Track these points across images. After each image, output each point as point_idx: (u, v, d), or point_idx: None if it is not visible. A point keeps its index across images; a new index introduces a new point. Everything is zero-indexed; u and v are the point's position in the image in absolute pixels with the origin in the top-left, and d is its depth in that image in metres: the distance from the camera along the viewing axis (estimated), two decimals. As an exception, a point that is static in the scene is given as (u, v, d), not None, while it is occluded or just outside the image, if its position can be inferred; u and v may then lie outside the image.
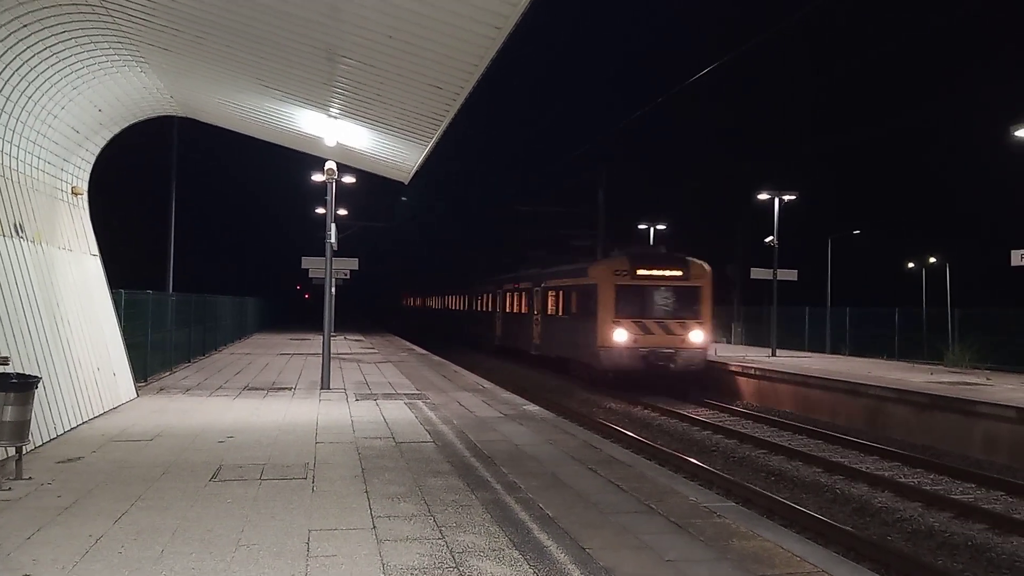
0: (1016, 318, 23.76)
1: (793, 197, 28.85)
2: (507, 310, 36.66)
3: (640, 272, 24.94)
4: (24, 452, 8.70)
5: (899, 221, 72.23)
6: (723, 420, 19.74)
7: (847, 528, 10.54)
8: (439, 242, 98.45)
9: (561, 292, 28.98)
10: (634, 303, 24.68)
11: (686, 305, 24.97)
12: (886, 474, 13.85)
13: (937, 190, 70.23)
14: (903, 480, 13.42)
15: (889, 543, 10.25)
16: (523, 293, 33.98)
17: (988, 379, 20.38)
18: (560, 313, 29.08)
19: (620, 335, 24.30)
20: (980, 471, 13.95)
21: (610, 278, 24.89)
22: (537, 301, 31.56)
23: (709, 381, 24.94)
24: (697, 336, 24.76)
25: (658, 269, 25.12)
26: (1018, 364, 22.76)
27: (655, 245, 27.53)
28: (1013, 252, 20.72)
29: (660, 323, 24.61)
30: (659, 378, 24.27)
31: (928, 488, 12.81)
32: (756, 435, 17.42)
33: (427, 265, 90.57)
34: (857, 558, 8.95)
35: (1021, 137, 19.49)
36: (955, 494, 12.55)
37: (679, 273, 25.13)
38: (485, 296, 41.54)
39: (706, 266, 25.89)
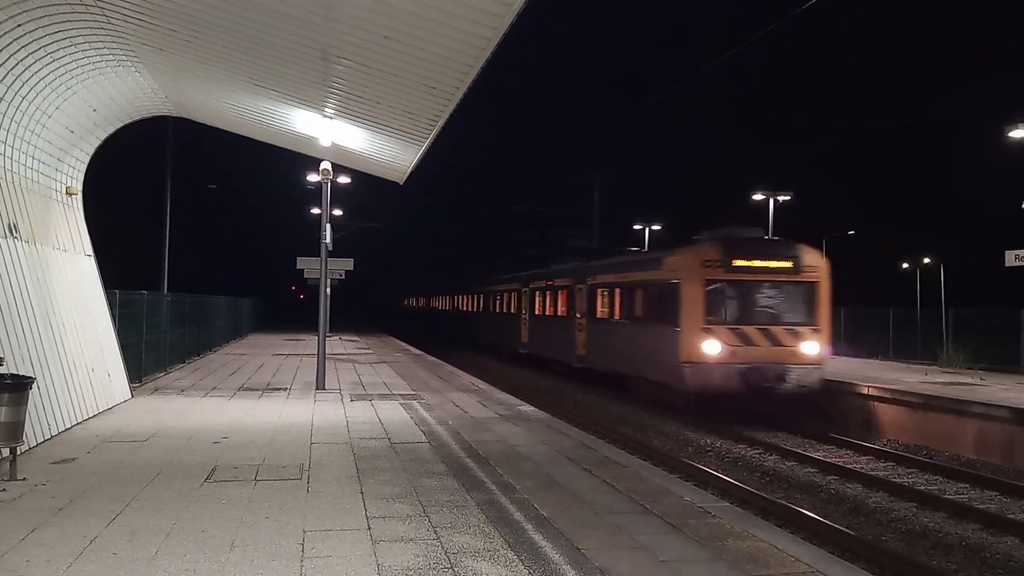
0: (1009, 319, 23.79)
1: (788, 197, 28.93)
2: (537, 312, 31.11)
3: (737, 263, 19.21)
4: (18, 453, 8.69)
5: (894, 222, 72.53)
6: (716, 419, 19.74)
7: (842, 528, 10.54)
8: (440, 241, 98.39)
9: (619, 290, 23.36)
10: (730, 305, 19.32)
11: (797, 307, 19.56)
12: (880, 474, 13.88)
13: (932, 191, 70.56)
14: (898, 480, 13.46)
15: (884, 543, 10.27)
16: (560, 292, 28.54)
17: (982, 379, 20.42)
18: (617, 316, 23.40)
19: (712, 347, 18.75)
20: (974, 471, 13.99)
21: (698, 272, 19.21)
22: (581, 301, 26.00)
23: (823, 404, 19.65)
24: (812, 348, 19.18)
25: (761, 260, 19.42)
26: (1011, 364, 22.83)
27: (751, 227, 21.64)
28: (1007, 252, 20.83)
29: (764, 331, 19.11)
30: (761, 403, 19.17)
31: (922, 488, 12.84)
32: (749, 435, 17.44)
33: (429, 264, 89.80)
34: (852, 558, 8.96)
35: (1015, 138, 19.60)
36: (949, 494, 12.58)
37: (788, 265, 19.50)
38: (507, 295, 35.62)
39: (821, 255, 20.71)
